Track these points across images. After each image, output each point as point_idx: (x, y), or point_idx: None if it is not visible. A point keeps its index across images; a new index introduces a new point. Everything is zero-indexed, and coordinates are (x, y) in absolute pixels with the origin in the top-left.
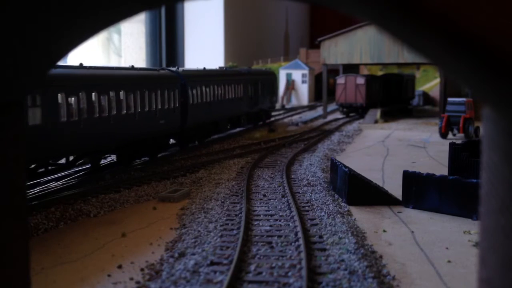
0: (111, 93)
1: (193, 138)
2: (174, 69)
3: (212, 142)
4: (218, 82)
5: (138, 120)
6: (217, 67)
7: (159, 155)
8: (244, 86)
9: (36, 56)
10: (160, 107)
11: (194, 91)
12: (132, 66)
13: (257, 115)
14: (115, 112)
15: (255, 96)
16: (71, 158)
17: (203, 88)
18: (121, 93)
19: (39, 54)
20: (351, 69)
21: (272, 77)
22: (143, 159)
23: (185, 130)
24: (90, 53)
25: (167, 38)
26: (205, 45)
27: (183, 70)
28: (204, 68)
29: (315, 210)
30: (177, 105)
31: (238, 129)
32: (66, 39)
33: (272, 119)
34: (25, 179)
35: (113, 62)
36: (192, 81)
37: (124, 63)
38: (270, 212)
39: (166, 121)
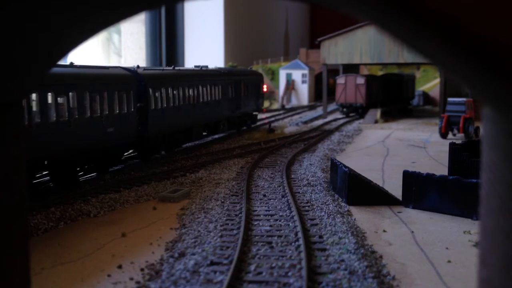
0: (33, 96)
1: (157, 148)
2: (131, 68)
3: (212, 142)
4: (190, 83)
5: (75, 128)
6: (192, 66)
7: (111, 169)
8: (224, 87)
9: (36, 56)
10: (107, 112)
11: (158, 94)
12: (71, 63)
13: (240, 120)
14: (38, 120)
15: (236, 98)
16: None
17: (170, 91)
18: (49, 95)
19: (39, 54)
20: (351, 69)
21: (257, 78)
22: (90, 175)
23: (146, 139)
24: (90, 53)
25: (167, 38)
26: (205, 45)
27: (144, 69)
28: (174, 67)
29: (315, 210)
30: (132, 110)
31: (217, 136)
32: (66, 39)
33: (273, 119)
34: (25, 179)
35: (113, 62)
36: (154, 82)
37: (124, 63)
38: (270, 212)
39: (116, 129)
